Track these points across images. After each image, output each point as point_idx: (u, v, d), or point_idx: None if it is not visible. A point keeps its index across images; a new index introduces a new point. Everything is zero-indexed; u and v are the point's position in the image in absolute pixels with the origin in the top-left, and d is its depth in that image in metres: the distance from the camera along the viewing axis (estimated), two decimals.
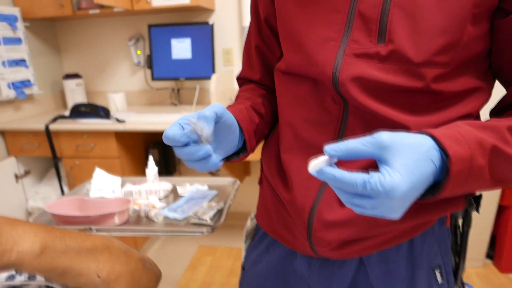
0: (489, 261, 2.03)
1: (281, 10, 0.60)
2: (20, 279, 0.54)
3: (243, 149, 0.64)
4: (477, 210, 0.60)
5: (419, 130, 0.44)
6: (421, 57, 0.47)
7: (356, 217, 0.55)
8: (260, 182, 0.76)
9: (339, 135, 0.55)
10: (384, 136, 0.39)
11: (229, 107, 0.62)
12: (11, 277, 0.54)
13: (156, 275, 0.68)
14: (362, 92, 0.50)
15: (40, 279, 0.51)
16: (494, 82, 0.56)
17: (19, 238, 0.45)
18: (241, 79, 0.79)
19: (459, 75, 0.50)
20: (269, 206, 0.72)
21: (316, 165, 0.40)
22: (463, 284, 0.68)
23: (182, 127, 0.51)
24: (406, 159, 0.38)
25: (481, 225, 1.88)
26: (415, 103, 0.51)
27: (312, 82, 0.57)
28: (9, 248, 0.44)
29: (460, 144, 0.41)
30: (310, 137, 0.58)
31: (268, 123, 0.70)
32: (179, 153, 0.52)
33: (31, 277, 0.54)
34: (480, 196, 0.60)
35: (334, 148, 0.40)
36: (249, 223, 0.84)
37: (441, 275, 0.62)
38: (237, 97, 0.73)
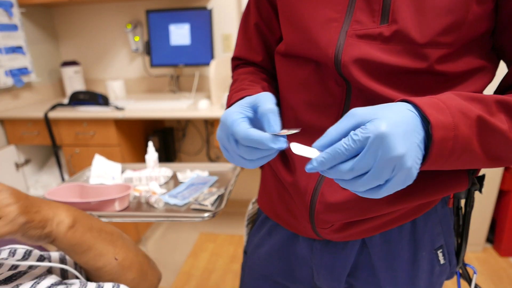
0: (489, 245, 2.04)
1: None
2: (20, 252, 0.55)
3: None
4: (480, 191, 0.59)
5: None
6: (425, 37, 0.46)
7: (358, 198, 0.55)
8: (261, 166, 0.76)
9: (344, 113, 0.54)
10: (355, 109, 0.39)
11: (250, 91, 0.60)
12: (12, 253, 0.55)
13: (158, 274, 0.70)
14: (364, 74, 0.49)
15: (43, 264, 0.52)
16: (498, 61, 0.55)
17: (56, 211, 0.53)
18: (238, 59, 0.75)
19: (463, 55, 0.49)
20: (271, 190, 0.72)
21: (300, 149, 0.40)
22: (465, 265, 0.68)
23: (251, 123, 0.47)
24: (382, 110, 0.38)
25: (482, 209, 1.88)
26: (419, 84, 0.50)
27: (314, 64, 0.55)
28: (51, 217, 0.51)
29: (442, 112, 0.40)
30: (313, 120, 0.57)
31: None
32: (255, 153, 0.46)
33: (27, 252, 0.55)
34: (483, 177, 0.60)
35: (319, 141, 0.40)
36: (251, 208, 0.84)
37: (443, 256, 0.62)
38: (238, 80, 0.69)
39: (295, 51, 0.57)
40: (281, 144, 0.43)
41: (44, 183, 2.13)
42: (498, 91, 0.53)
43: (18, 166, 2.07)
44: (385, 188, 0.39)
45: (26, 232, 0.48)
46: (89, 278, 0.61)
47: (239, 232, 2.29)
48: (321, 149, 0.40)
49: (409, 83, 0.50)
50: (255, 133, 0.44)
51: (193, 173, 1.20)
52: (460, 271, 0.68)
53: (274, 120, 0.43)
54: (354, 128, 0.38)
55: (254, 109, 0.47)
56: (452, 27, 0.46)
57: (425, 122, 0.40)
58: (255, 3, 0.68)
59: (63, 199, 0.99)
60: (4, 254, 0.56)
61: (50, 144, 1.97)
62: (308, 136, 0.58)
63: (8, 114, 1.96)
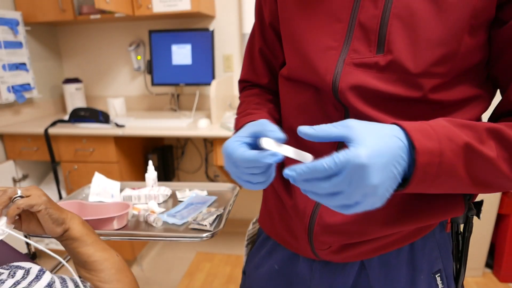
0: (488, 270, 2.02)
1: (284, 16, 0.61)
2: (20, 273, 0.57)
3: None
4: (478, 216, 0.60)
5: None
6: (419, 67, 0.48)
7: (356, 220, 0.56)
8: None
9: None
10: (350, 120, 0.42)
11: (255, 116, 0.64)
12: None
13: None
14: (360, 100, 0.51)
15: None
16: (494, 90, 0.56)
17: (72, 214, 0.68)
18: (244, 82, 0.79)
19: (458, 84, 0.50)
20: (272, 209, 0.72)
21: (271, 144, 0.42)
22: None
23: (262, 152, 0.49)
24: (369, 134, 0.40)
25: (480, 233, 1.88)
26: (414, 111, 0.51)
27: (314, 89, 0.57)
28: (65, 213, 0.67)
29: (429, 138, 0.42)
30: (312, 143, 0.58)
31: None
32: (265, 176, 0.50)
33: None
34: (481, 202, 0.60)
35: (309, 128, 0.42)
36: (251, 228, 0.84)
37: (442, 280, 0.62)
38: (244, 102, 0.72)
39: (297, 76, 0.60)
40: (272, 158, 0.45)
41: None
42: (492, 118, 0.54)
43: (15, 181, 2.06)
44: (353, 209, 0.41)
45: (48, 209, 0.62)
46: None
47: (236, 252, 2.26)
48: (304, 136, 0.42)
49: (405, 110, 0.51)
50: (249, 152, 0.47)
51: (192, 192, 1.20)
52: None
53: (272, 133, 0.48)
54: (343, 139, 0.41)
55: (254, 136, 0.51)
56: (445, 58, 0.48)
57: (412, 147, 0.42)
58: (260, 29, 0.71)
59: None
60: (4, 275, 0.56)
61: (49, 160, 1.97)
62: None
63: (8, 129, 1.97)
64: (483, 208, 0.63)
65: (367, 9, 0.50)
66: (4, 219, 0.60)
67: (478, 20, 0.46)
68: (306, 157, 0.43)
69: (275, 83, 0.73)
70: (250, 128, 0.52)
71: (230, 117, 1.84)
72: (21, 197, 0.62)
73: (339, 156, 0.38)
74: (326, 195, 0.41)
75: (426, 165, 0.41)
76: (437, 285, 0.62)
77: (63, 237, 0.66)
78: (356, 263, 0.62)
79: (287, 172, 0.41)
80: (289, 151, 0.44)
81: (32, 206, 0.61)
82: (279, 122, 0.69)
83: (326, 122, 0.55)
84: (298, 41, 0.57)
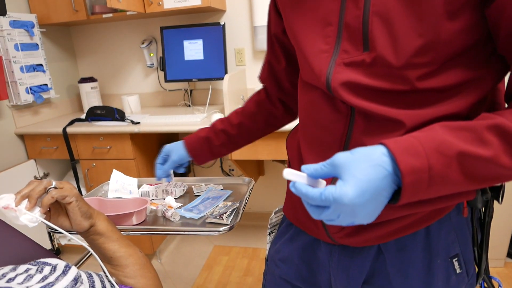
0: (510, 260, 1.98)
1: (287, 24, 0.66)
2: (47, 269, 0.60)
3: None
4: (498, 200, 0.60)
5: (381, 141, 0.46)
6: (401, 61, 0.49)
7: None
8: None
9: (348, 133, 0.58)
10: (337, 157, 0.45)
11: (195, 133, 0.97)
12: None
13: None
14: (352, 95, 0.54)
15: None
16: (505, 66, 0.53)
17: (97, 211, 0.72)
18: (262, 84, 0.93)
19: (449, 70, 0.50)
20: (295, 197, 0.75)
21: (291, 174, 0.46)
22: (489, 278, 0.67)
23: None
24: (354, 170, 0.43)
25: (503, 222, 1.84)
26: (407, 100, 0.52)
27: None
28: (96, 212, 0.71)
29: (416, 155, 0.43)
30: (322, 136, 0.62)
31: (236, 134, 0.92)
32: None
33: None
34: (500, 187, 0.60)
35: (307, 167, 0.47)
36: (274, 217, 0.88)
37: (459, 265, 0.62)
38: (232, 113, 0.96)
39: (305, 77, 0.65)
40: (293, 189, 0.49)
41: None
42: (506, 98, 0.53)
43: (37, 180, 2.12)
44: (346, 225, 0.47)
45: (79, 202, 0.66)
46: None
47: (253, 244, 2.28)
48: (306, 171, 0.47)
49: (396, 100, 0.52)
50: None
51: (208, 187, 1.21)
52: (485, 284, 0.67)
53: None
54: (332, 176, 0.46)
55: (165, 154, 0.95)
56: (425, 49, 0.48)
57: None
58: (269, 40, 0.81)
59: None
60: (32, 270, 0.58)
61: (68, 158, 2.01)
62: (316, 150, 0.64)
63: (29, 129, 2.02)
64: (506, 197, 0.61)
65: (350, 10, 0.53)
66: (38, 208, 0.64)
67: (454, 5, 0.46)
68: (320, 183, 0.48)
69: (274, 86, 0.87)
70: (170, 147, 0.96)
71: None
72: (55, 188, 0.65)
73: (325, 194, 0.42)
74: (314, 211, 0.46)
75: (414, 183, 0.43)
76: (455, 269, 0.62)
77: (90, 232, 0.68)
78: (373, 248, 0.63)
79: (291, 186, 0.46)
80: (304, 179, 0.47)
81: (64, 197, 0.63)
82: (231, 130, 0.91)
83: (335, 115, 0.59)
84: (299, 46, 0.62)
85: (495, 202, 0.61)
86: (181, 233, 0.97)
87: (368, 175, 0.43)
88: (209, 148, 0.93)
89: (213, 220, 0.97)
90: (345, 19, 0.53)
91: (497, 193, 0.60)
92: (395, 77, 0.51)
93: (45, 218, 0.65)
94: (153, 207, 1.08)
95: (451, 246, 0.61)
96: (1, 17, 1.86)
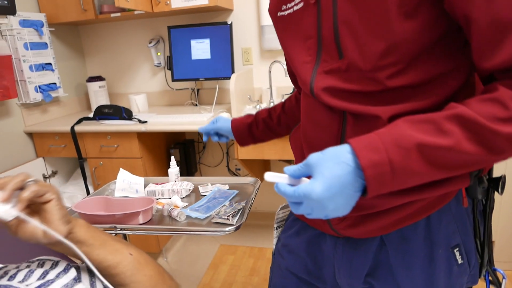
0: None
1: (280, 41, 0.72)
2: (48, 263, 0.58)
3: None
4: (498, 191, 0.61)
5: (348, 140, 0.50)
6: (368, 64, 0.53)
7: None
8: None
9: (342, 131, 0.61)
10: (310, 158, 0.49)
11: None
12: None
13: (176, 284, 0.72)
14: (332, 98, 0.59)
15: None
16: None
17: (75, 217, 0.61)
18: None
19: (418, 66, 0.52)
20: None
21: (272, 177, 0.51)
22: (494, 270, 0.67)
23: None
24: (322, 168, 0.48)
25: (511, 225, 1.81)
26: (381, 99, 0.55)
27: None
28: (74, 218, 0.59)
29: (376, 151, 0.46)
30: (321, 135, 0.65)
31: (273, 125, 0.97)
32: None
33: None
34: (499, 178, 0.61)
35: (288, 168, 0.51)
36: (281, 212, 0.90)
37: (461, 255, 0.63)
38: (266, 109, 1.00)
39: (300, 85, 0.69)
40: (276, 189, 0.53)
41: (70, 194, 2.19)
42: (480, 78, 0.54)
43: (45, 178, 2.14)
44: (325, 217, 0.50)
45: (59, 200, 0.55)
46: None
47: (259, 244, 2.28)
48: (287, 172, 0.52)
49: (373, 99, 0.56)
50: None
51: (214, 186, 1.21)
52: (490, 277, 0.68)
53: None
54: (307, 173, 0.50)
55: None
56: (388, 50, 0.51)
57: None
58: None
59: (89, 212, 1.02)
60: (34, 265, 0.58)
61: (76, 157, 2.03)
62: (317, 149, 0.66)
63: (37, 128, 2.04)
64: None
65: (325, 22, 0.57)
66: (14, 201, 0.51)
67: (408, 6, 0.48)
68: (303, 182, 0.52)
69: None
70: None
71: (250, 110, 1.84)
72: (34, 181, 0.54)
73: (297, 191, 0.48)
74: (293, 207, 0.51)
75: (376, 176, 0.46)
76: (456, 260, 0.63)
77: (68, 240, 0.56)
78: (376, 239, 0.65)
79: (274, 186, 0.51)
80: (286, 180, 0.52)
81: (45, 193, 0.53)
82: (271, 121, 0.96)
83: (329, 115, 0.64)
84: (290, 59, 0.68)
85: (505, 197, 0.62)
86: (187, 233, 0.97)
87: (334, 172, 0.47)
88: (250, 133, 0.99)
89: (219, 220, 0.97)
90: (322, 31, 0.58)
91: (496, 183, 0.61)
92: (367, 79, 0.54)
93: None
94: (159, 207, 1.08)
95: (451, 236, 0.62)
96: (11, 16, 1.88)
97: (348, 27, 0.53)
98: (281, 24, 0.68)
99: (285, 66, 1.89)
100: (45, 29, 2.10)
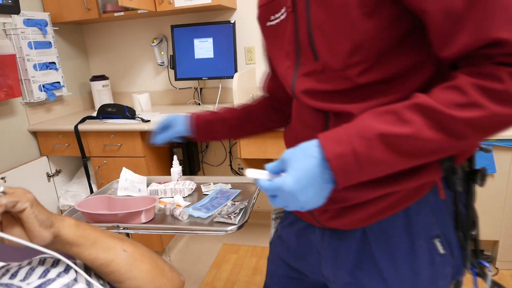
0: None
1: (267, 48, 0.76)
2: (49, 260, 0.58)
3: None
4: (478, 183, 0.62)
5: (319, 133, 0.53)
6: (339, 64, 0.56)
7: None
8: None
9: (326, 129, 0.63)
10: (284, 153, 0.53)
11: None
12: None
13: (179, 275, 0.71)
14: (311, 99, 0.63)
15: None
16: None
17: (60, 217, 0.58)
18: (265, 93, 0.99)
19: (388, 61, 0.54)
20: None
21: (253, 173, 0.54)
22: (479, 262, 0.67)
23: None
24: (293, 162, 0.51)
25: None
26: (355, 96, 0.58)
27: None
28: (55, 216, 0.57)
29: (340, 142, 0.49)
30: (308, 133, 0.67)
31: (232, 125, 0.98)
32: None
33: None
34: (478, 170, 0.62)
35: (269, 165, 0.54)
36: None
37: (443, 245, 0.63)
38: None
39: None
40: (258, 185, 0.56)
41: (74, 193, 2.20)
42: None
43: (49, 176, 2.15)
44: (303, 209, 0.53)
45: (34, 208, 0.52)
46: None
47: (261, 243, 2.28)
48: (267, 168, 0.55)
49: (347, 97, 0.59)
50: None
51: (216, 186, 1.21)
52: (476, 270, 0.68)
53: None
54: (283, 168, 0.53)
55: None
56: (355, 49, 0.53)
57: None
58: (267, 60, 0.87)
59: (91, 211, 1.02)
60: (35, 262, 0.59)
61: (80, 155, 2.04)
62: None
63: (41, 126, 2.05)
64: None
65: (301, 27, 0.60)
66: None
67: (368, 7, 0.50)
68: (281, 176, 0.54)
69: (275, 100, 0.94)
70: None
71: None
72: (3, 193, 0.51)
73: (272, 185, 0.51)
74: (271, 200, 0.54)
75: (341, 166, 0.49)
76: (438, 250, 0.63)
77: (56, 244, 0.56)
78: (359, 230, 0.67)
79: (257, 182, 0.54)
80: (267, 175, 0.55)
81: (16, 203, 0.50)
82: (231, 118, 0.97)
83: (314, 117, 0.66)
84: (274, 64, 0.73)
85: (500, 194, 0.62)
86: (190, 232, 0.97)
87: (303, 165, 0.50)
88: (207, 131, 0.98)
89: (221, 220, 0.97)
90: (299, 37, 0.61)
91: (474, 175, 0.62)
92: (340, 78, 0.57)
93: None
94: (162, 206, 1.08)
95: (431, 228, 0.63)
96: (15, 15, 1.89)
97: (320, 30, 0.57)
98: (269, 33, 0.72)
99: None
100: (49, 28, 2.11)
